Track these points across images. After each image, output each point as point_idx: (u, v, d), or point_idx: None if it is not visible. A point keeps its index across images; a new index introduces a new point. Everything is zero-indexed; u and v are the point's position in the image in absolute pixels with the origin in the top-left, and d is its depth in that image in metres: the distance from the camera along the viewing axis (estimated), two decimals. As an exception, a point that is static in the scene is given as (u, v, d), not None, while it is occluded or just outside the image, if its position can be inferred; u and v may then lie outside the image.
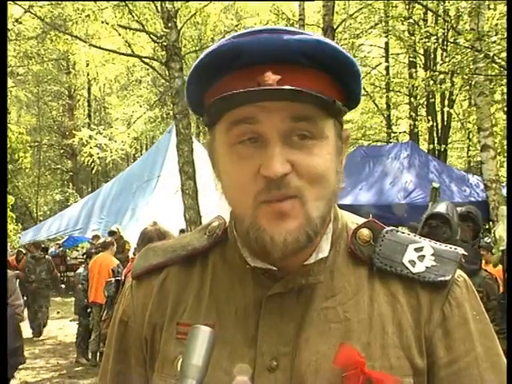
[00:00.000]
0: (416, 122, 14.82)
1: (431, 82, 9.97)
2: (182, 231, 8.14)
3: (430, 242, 0.92)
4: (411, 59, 16.26)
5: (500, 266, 5.76)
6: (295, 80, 0.80)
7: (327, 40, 0.82)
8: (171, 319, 0.91)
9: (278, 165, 0.78)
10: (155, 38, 9.35)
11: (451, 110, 15.57)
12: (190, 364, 0.73)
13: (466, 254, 0.91)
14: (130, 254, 9.42)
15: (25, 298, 10.65)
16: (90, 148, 11.19)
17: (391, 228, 0.92)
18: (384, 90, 16.87)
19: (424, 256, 0.89)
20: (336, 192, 0.86)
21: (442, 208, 3.55)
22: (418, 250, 0.90)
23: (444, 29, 12.20)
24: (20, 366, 7.60)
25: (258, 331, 0.86)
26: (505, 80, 8.21)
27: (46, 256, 11.58)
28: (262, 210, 0.81)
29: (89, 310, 8.47)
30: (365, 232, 0.91)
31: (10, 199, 10.67)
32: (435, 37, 10.68)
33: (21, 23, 13.29)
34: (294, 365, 0.83)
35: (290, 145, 0.80)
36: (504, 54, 7.52)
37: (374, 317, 0.85)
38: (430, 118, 15.15)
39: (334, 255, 0.89)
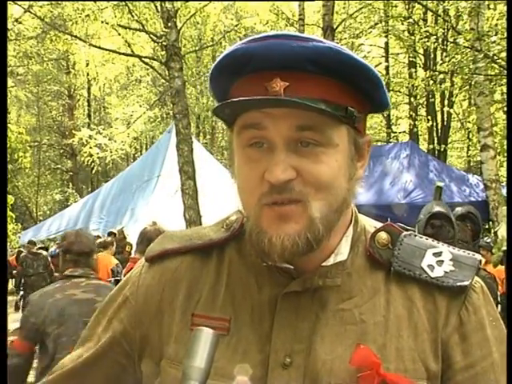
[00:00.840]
0: (416, 122, 14.84)
1: (431, 82, 9.98)
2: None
3: (449, 247, 0.92)
4: (411, 59, 16.27)
5: (500, 266, 5.77)
6: (303, 87, 0.80)
7: (340, 47, 0.82)
8: (185, 309, 0.92)
9: (280, 171, 0.79)
10: (155, 38, 9.36)
11: (451, 110, 15.59)
12: (192, 366, 0.74)
13: (483, 260, 0.92)
14: (132, 255, 9.41)
15: (21, 293, 10.74)
16: (90, 148, 11.20)
17: (409, 232, 0.93)
18: (384, 90, 16.83)
19: (443, 261, 0.89)
20: (347, 198, 0.86)
21: (440, 207, 3.55)
22: (436, 254, 0.90)
23: (444, 29, 12.20)
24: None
25: (272, 328, 0.86)
26: (504, 80, 8.22)
27: (44, 252, 11.77)
28: (264, 212, 0.82)
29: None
30: (383, 236, 0.92)
31: (10, 199, 10.67)
32: (435, 37, 10.69)
33: (21, 23, 13.29)
34: (309, 362, 0.84)
35: (296, 151, 0.81)
36: (504, 54, 7.52)
37: (390, 319, 0.86)
38: (429, 117, 15.17)
39: (352, 258, 0.90)
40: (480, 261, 0.91)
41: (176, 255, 0.96)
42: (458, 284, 0.87)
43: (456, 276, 0.87)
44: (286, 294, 0.87)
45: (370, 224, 0.95)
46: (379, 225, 0.95)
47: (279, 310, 0.87)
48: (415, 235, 0.93)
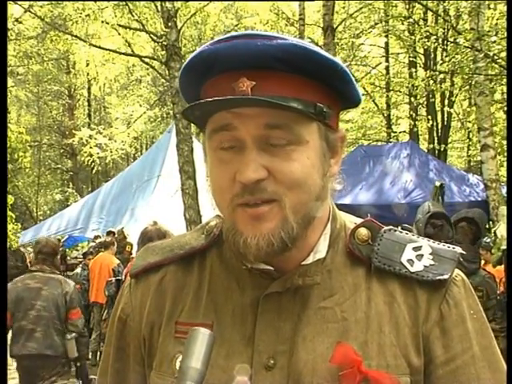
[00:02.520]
0: (416, 122, 14.80)
1: (431, 82, 9.97)
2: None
3: (429, 241, 0.92)
4: (411, 59, 16.25)
5: (499, 266, 5.77)
6: (270, 86, 0.80)
7: (305, 43, 0.81)
8: (169, 318, 0.92)
9: (251, 171, 0.79)
10: (155, 38, 9.36)
11: (451, 110, 15.57)
12: (189, 366, 0.74)
13: (463, 252, 0.92)
14: (134, 254, 9.46)
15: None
16: (90, 148, 11.19)
17: (389, 227, 0.93)
18: (384, 90, 16.86)
19: (422, 255, 0.89)
20: (322, 194, 0.85)
21: (437, 207, 3.57)
22: (416, 249, 0.90)
23: (444, 28, 12.21)
24: (20, 366, 7.60)
25: (255, 330, 0.86)
26: (505, 80, 8.22)
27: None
28: (238, 213, 0.82)
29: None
30: (363, 231, 0.92)
31: (10, 199, 10.66)
32: (435, 36, 10.68)
33: (21, 23, 13.27)
34: (292, 363, 0.83)
35: (267, 150, 0.81)
36: (504, 54, 7.52)
37: (371, 316, 0.86)
38: (429, 117, 15.14)
39: (332, 255, 0.90)
40: (460, 253, 0.90)
41: (159, 267, 0.97)
42: (438, 278, 0.86)
43: (436, 270, 0.87)
44: (268, 295, 0.87)
45: (349, 220, 0.95)
46: (359, 221, 0.94)
47: (261, 312, 0.86)
48: (395, 230, 0.93)
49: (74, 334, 4.26)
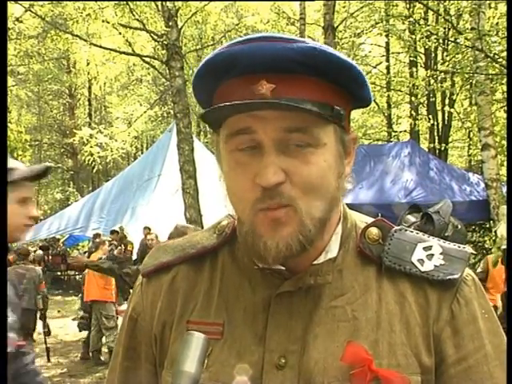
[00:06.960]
0: (416, 121, 14.80)
1: (432, 81, 9.99)
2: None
3: (439, 240, 0.92)
4: (412, 58, 16.25)
5: (499, 266, 5.77)
6: (290, 89, 0.80)
7: (324, 47, 0.82)
8: (181, 317, 0.93)
9: (271, 174, 0.79)
10: (156, 37, 9.36)
11: (452, 109, 15.57)
12: (182, 371, 0.73)
13: (474, 253, 0.92)
14: (134, 255, 9.53)
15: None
16: (91, 147, 11.16)
17: (400, 227, 0.93)
18: (385, 89, 16.85)
19: (433, 255, 0.90)
20: (337, 196, 0.86)
21: (434, 207, 3.56)
22: (426, 248, 0.90)
23: (445, 28, 12.20)
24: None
25: (266, 329, 0.87)
26: (505, 79, 8.22)
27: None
28: (259, 217, 0.82)
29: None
30: (374, 231, 0.92)
31: (10, 197, 10.67)
32: (436, 36, 10.67)
33: (21, 22, 13.25)
34: (303, 362, 0.84)
35: (286, 153, 0.81)
36: (504, 54, 7.52)
37: (382, 315, 0.86)
38: (430, 117, 15.13)
39: (342, 254, 0.90)
40: (471, 253, 0.91)
41: (171, 267, 0.97)
42: (448, 278, 0.87)
43: (446, 269, 0.88)
44: (279, 294, 0.87)
45: (360, 220, 0.95)
46: (370, 220, 0.95)
47: (273, 311, 0.87)
48: (406, 230, 0.93)
49: (41, 295, 6.89)
